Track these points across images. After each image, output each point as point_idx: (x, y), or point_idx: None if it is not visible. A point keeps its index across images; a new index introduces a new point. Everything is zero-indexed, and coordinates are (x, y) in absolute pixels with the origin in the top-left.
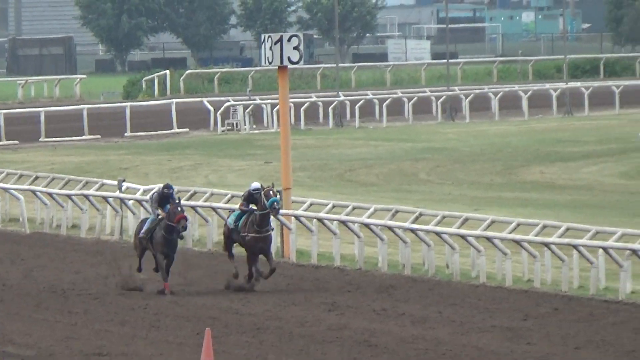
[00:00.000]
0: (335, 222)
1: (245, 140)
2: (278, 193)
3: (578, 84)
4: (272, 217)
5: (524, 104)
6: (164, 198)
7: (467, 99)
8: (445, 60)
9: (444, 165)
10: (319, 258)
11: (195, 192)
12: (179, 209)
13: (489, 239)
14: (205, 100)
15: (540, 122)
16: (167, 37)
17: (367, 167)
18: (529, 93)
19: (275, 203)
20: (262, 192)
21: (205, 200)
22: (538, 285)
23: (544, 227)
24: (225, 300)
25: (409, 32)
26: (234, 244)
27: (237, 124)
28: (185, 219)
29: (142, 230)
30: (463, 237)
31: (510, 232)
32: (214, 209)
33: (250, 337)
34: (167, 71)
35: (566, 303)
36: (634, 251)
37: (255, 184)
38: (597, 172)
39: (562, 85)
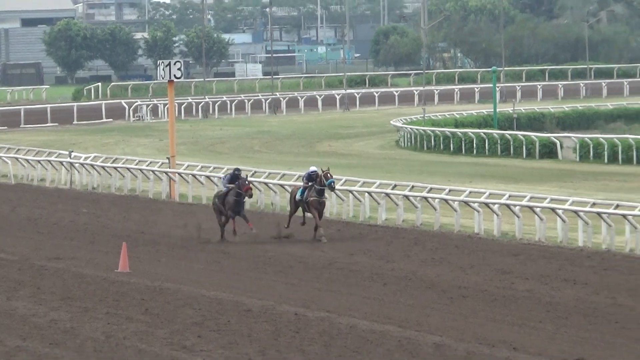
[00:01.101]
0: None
1: (147, 126)
2: (331, 175)
3: (353, 90)
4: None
5: (319, 103)
6: (234, 177)
7: (284, 100)
8: (270, 76)
9: (270, 142)
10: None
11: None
12: (247, 182)
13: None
14: (122, 101)
15: (329, 114)
16: (100, 62)
17: (222, 142)
18: (322, 96)
19: (332, 183)
20: (322, 174)
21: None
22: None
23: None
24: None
25: (248, 59)
26: (296, 210)
27: (142, 116)
28: (251, 188)
29: (218, 198)
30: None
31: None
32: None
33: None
34: (100, 83)
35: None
36: (387, 194)
37: (313, 168)
38: (363, 145)
39: (343, 91)
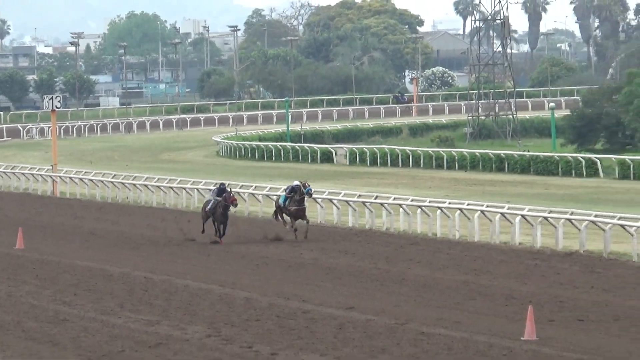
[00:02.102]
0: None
1: (37, 143)
2: (309, 185)
3: (185, 116)
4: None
5: (161, 125)
6: (221, 190)
7: (136, 123)
8: (125, 106)
9: (125, 153)
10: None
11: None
12: (232, 195)
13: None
14: (19, 125)
15: (168, 133)
16: (1, 97)
17: (91, 154)
18: (163, 120)
19: (309, 190)
20: (300, 184)
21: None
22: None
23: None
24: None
25: (109, 93)
26: (280, 214)
27: (32, 135)
28: (236, 199)
29: (208, 208)
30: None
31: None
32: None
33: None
34: (1, 112)
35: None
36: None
37: (296, 182)
38: (193, 155)
39: (178, 116)
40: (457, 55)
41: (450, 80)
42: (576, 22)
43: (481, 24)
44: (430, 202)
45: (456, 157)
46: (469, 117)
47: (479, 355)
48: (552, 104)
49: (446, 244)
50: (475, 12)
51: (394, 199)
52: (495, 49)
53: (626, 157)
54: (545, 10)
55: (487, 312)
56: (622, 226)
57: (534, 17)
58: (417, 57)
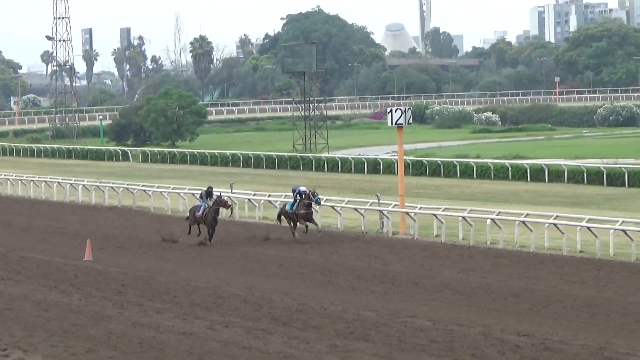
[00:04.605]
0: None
1: None
2: (317, 193)
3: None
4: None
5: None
6: (209, 193)
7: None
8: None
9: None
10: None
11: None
12: (224, 198)
13: None
14: None
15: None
16: None
17: None
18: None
19: (318, 198)
20: (309, 192)
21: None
22: None
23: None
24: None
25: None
26: (285, 218)
27: None
28: (227, 202)
29: (199, 213)
30: None
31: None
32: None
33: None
34: None
35: None
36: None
37: (303, 187)
38: None
39: None
40: (43, 87)
41: (38, 103)
42: (115, 67)
43: (57, 67)
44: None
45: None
46: (50, 125)
47: None
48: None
49: None
50: (53, 60)
51: None
52: (65, 83)
53: (146, 148)
54: (97, 59)
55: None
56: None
57: (89, 63)
58: (18, 88)
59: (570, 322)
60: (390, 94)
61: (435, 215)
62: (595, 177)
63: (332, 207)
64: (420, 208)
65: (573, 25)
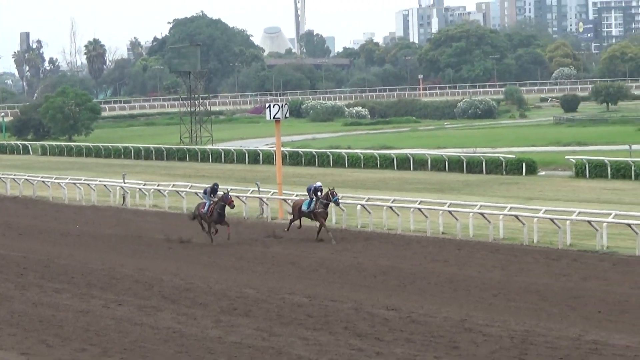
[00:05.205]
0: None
1: None
2: (336, 193)
3: None
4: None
5: None
6: (214, 190)
7: None
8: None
9: None
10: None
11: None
12: (229, 195)
13: None
14: None
15: None
16: None
17: None
18: None
19: (337, 199)
20: (328, 191)
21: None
22: None
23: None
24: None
25: None
26: (298, 219)
27: None
28: (233, 200)
29: (204, 210)
30: None
31: None
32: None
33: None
34: None
35: None
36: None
37: (318, 183)
38: None
39: None
40: None
41: None
42: (16, 68)
43: None
44: None
45: None
46: None
47: None
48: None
49: None
50: None
51: None
52: None
53: (45, 143)
54: None
55: None
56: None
57: None
58: None
59: (434, 297)
60: (269, 90)
61: None
62: (455, 165)
63: None
64: (297, 195)
65: (435, 27)
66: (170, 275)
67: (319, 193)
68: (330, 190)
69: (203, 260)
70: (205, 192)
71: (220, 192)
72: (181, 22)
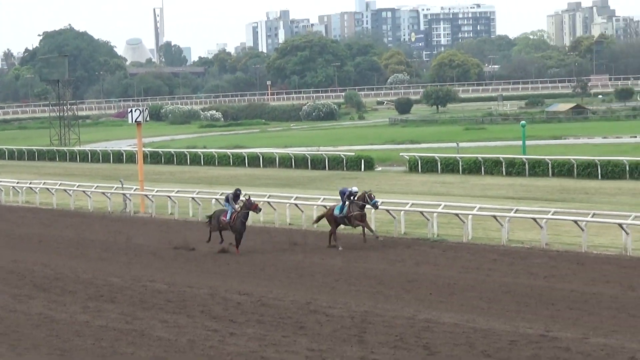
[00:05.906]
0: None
1: None
2: (374, 196)
3: None
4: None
5: None
6: (236, 196)
7: None
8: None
9: None
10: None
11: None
12: (252, 201)
13: None
14: None
15: None
16: None
17: None
18: None
19: (376, 202)
20: (365, 193)
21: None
22: None
23: None
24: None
25: None
26: (338, 225)
27: None
28: (257, 205)
29: (226, 218)
30: None
31: None
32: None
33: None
34: None
35: None
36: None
37: (355, 188)
38: None
39: None
40: None
41: None
42: None
43: None
44: None
45: None
46: None
47: None
48: None
49: None
50: None
51: None
52: None
53: None
54: None
55: None
56: None
57: None
58: None
59: (282, 282)
60: (131, 97)
61: (169, 196)
62: (301, 162)
63: (84, 191)
64: (157, 191)
65: (281, 37)
66: (41, 266)
67: (354, 197)
68: (367, 192)
69: (71, 252)
70: (227, 200)
71: (243, 198)
72: (50, 35)
